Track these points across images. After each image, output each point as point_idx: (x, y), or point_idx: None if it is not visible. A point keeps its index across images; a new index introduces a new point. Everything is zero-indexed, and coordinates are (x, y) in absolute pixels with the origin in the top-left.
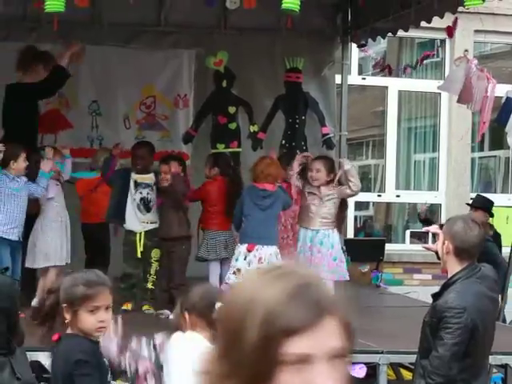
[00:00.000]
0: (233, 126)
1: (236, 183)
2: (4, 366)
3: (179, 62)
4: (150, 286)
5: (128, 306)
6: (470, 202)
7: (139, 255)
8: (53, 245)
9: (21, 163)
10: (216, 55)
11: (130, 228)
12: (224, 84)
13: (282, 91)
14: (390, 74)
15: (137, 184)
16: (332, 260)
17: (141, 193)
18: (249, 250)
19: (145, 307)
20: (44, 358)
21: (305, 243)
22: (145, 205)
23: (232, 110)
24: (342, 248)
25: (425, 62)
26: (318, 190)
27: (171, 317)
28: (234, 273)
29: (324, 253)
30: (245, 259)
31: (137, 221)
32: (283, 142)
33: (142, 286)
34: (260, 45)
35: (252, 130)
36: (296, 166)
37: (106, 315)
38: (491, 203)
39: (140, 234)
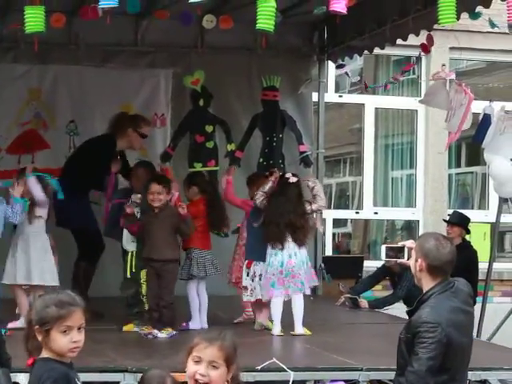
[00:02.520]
0: (210, 144)
1: (216, 199)
2: None
3: (156, 82)
4: (146, 307)
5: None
6: (447, 218)
7: (129, 275)
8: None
9: None
10: (193, 74)
11: (124, 247)
12: (201, 103)
13: (259, 109)
14: (366, 90)
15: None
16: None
17: (138, 212)
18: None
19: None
20: (24, 379)
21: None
22: None
23: (209, 128)
24: (321, 266)
25: (404, 75)
26: None
27: (160, 335)
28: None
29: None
30: (247, 275)
31: (130, 239)
32: (261, 160)
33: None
34: (237, 63)
35: (229, 149)
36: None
37: (78, 336)
38: (468, 219)
39: (132, 253)
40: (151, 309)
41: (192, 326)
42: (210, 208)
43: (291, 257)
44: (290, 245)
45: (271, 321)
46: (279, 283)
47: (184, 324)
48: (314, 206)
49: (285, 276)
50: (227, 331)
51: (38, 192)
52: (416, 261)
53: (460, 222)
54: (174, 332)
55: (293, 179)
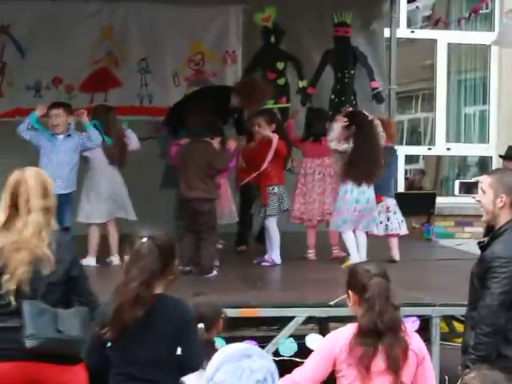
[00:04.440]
0: (281, 81)
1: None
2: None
3: (227, 18)
4: None
5: None
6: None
7: None
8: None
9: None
10: (264, 11)
11: None
12: (272, 40)
13: (330, 46)
14: (446, 25)
15: None
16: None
17: None
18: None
19: None
20: None
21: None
22: None
23: (280, 65)
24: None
25: (478, 12)
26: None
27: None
28: None
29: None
30: None
31: None
32: (332, 96)
33: None
34: None
35: (301, 86)
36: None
37: None
38: None
39: None
40: None
41: (277, 260)
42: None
43: (365, 194)
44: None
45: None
46: (352, 219)
47: (270, 259)
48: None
49: (358, 212)
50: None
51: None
52: (496, 197)
53: None
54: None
55: (370, 116)
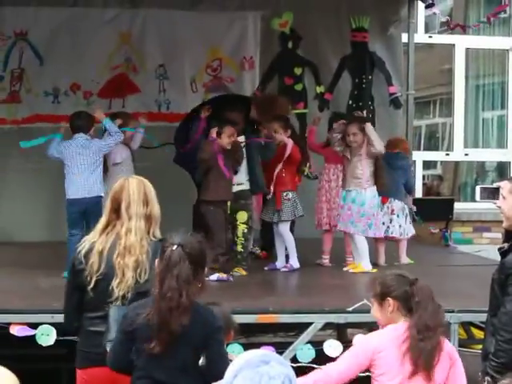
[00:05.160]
0: (299, 86)
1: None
2: None
3: (244, 24)
4: (239, 248)
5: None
6: None
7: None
8: None
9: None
10: (281, 16)
11: None
12: (290, 45)
13: (348, 51)
14: (464, 30)
15: None
16: (360, 216)
17: None
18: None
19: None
20: None
21: (341, 203)
22: None
23: (298, 70)
24: (411, 209)
25: (497, 16)
26: (349, 153)
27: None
28: None
29: (354, 210)
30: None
31: None
32: (350, 102)
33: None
34: (325, 4)
35: (318, 91)
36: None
37: None
38: None
39: None
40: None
41: (295, 265)
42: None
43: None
44: None
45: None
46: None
47: (288, 265)
48: (378, 147)
49: (361, 216)
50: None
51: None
52: None
53: None
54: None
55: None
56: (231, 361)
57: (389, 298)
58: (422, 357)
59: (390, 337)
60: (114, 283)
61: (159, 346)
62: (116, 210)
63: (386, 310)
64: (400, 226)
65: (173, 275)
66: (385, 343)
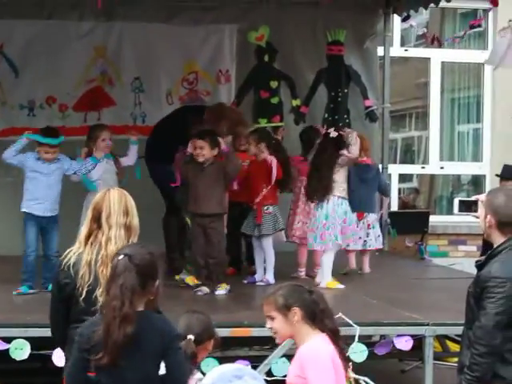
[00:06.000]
0: (275, 100)
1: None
2: None
3: (220, 38)
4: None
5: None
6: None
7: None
8: None
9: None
10: (257, 30)
11: None
12: (266, 58)
13: (324, 64)
14: (441, 44)
15: None
16: (325, 229)
17: None
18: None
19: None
20: None
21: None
22: None
23: (274, 84)
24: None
25: (472, 30)
26: None
27: (218, 292)
28: None
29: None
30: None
31: None
32: (326, 115)
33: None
34: (301, 18)
35: (294, 104)
36: None
37: None
38: None
39: None
40: (200, 266)
41: (271, 280)
42: (284, 167)
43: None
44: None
45: None
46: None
47: (265, 278)
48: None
49: (327, 229)
50: (280, 284)
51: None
52: (485, 217)
53: None
54: (229, 287)
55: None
56: (192, 369)
57: (294, 308)
58: (346, 363)
59: (326, 346)
60: (98, 292)
61: (107, 356)
62: (97, 220)
63: (292, 321)
64: (379, 235)
65: (117, 284)
66: (333, 351)
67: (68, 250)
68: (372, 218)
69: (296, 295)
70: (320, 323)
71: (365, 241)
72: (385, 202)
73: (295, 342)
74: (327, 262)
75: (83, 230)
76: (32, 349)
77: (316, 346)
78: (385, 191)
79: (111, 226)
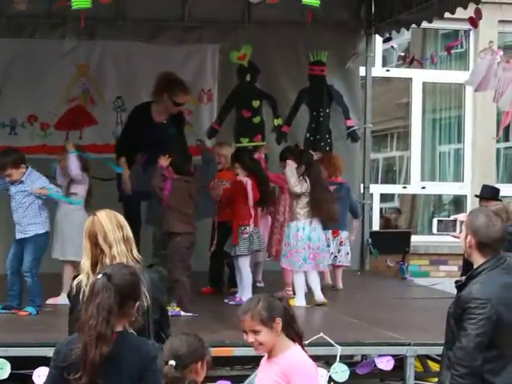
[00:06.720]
0: (257, 119)
1: (263, 176)
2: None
3: (203, 57)
4: None
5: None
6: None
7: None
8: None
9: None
10: (240, 49)
11: None
12: (248, 78)
13: (306, 84)
14: (421, 64)
15: None
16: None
17: None
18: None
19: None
20: None
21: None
22: None
23: (256, 103)
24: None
25: (451, 51)
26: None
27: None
28: None
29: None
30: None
31: None
32: (307, 135)
33: None
34: (284, 38)
35: (276, 124)
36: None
37: None
38: (498, 191)
39: None
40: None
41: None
42: (260, 186)
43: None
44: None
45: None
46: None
47: (237, 298)
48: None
49: (312, 250)
50: (255, 298)
51: (74, 169)
52: (466, 237)
53: (495, 195)
54: (180, 312)
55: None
56: None
57: (277, 318)
58: None
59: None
60: None
61: (86, 376)
62: (96, 245)
63: (276, 331)
64: (347, 253)
65: (94, 304)
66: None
67: (77, 282)
68: (344, 235)
69: (275, 305)
70: (290, 329)
71: (335, 256)
72: (355, 223)
73: (271, 351)
74: (297, 281)
75: (85, 261)
76: (12, 368)
77: (301, 356)
78: (355, 213)
79: (111, 245)
